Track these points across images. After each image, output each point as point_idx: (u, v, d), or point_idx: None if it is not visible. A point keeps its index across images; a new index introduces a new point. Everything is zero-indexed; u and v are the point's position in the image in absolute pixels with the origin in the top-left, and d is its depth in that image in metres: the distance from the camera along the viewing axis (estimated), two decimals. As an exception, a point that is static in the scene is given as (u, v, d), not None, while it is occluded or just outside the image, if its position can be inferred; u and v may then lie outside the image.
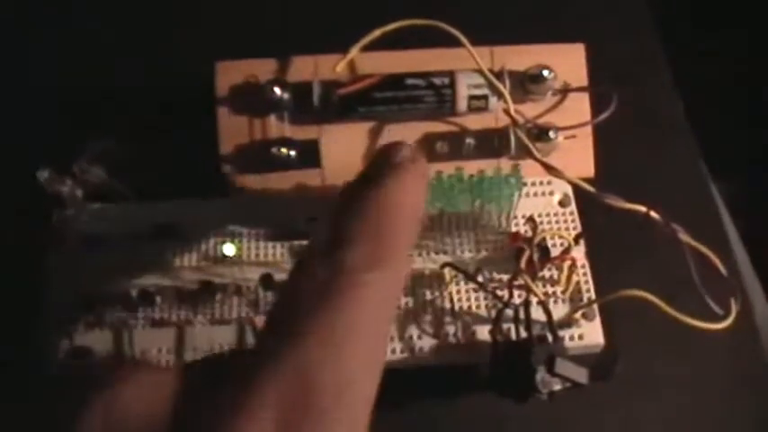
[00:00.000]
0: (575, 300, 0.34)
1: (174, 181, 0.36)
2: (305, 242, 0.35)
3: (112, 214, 0.36)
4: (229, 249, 0.35)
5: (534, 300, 0.32)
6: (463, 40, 0.34)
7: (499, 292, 0.33)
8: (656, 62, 0.43)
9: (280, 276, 0.34)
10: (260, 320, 0.33)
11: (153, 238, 0.35)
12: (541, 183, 0.36)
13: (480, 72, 0.35)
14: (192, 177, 0.36)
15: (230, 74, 0.37)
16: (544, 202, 0.36)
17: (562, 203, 0.36)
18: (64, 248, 0.35)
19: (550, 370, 0.30)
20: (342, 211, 0.24)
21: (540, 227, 0.35)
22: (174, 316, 0.34)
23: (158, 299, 0.34)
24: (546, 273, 0.34)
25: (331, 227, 0.23)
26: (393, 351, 0.33)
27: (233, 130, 0.37)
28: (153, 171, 0.36)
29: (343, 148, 0.36)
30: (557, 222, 0.35)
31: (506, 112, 0.34)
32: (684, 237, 0.32)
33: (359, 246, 0.22)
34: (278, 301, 0.24)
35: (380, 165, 0.25)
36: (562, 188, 0.36)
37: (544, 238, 0.34)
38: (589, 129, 0.37)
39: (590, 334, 0.33)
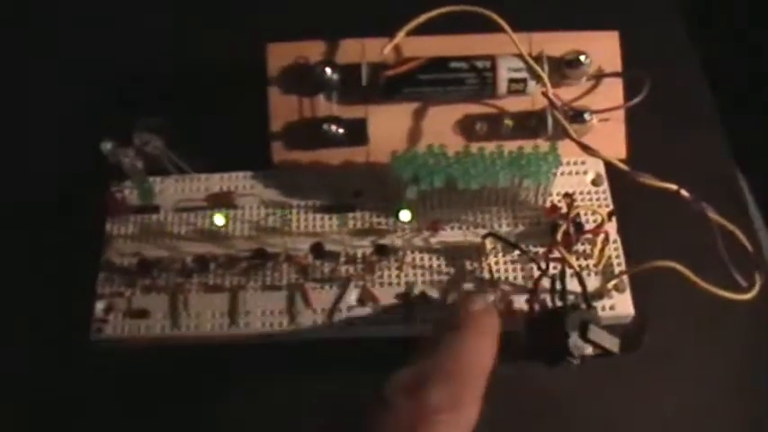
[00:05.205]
0: (606, 273, 0.36)
1: (227, 155, 0.38)
2: (352, 214, 0.37)
3: (170, 184, 0.38)
4: (278, 220, 0.37)
5: (569, 271, 0.34)
6: (504, 25, 0.36)
7: (535, 263, 0.35)
8: (685, 48, 0.45)
9: (329, 247, 0.36)
10: (309, 287, 0.35)
11: (207, 209, 0.37)
12: (575, 163, 0.38)
13: (521, 56, 0.37)
14: (245, 152, 0.39)
15: (281, 55, 0.39)
16: (578, 181, 0.38)
17: (595, 182, 0.38)
18: (123, 216, 0.37)
19: (584, 335, 0.32)
20: (425, 355, 0.29)
21: (575, 203, 0.36)
22: (227, 282, 0.36)
23: (212, 265, 0.36)
24: (579, 247, 0.36)
25: (416, 368, 0.28)
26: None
27: (283, 108, 0.39)
28: (207, 146, 0.38)
29: (389, 127, 0.38)
30: (589, 201, 0.37)
31: (545, 94, 0.36)
32: (713, 214, 0.34)
33: (439, 389, 0.27)
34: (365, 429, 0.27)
35: (459, 313, 0.30)
36: (595, 168, 0.38)
37: (578, 214, 0.36)
38: (622, 112, 0.39)
39: (621, 305, 0.35)
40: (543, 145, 0.37)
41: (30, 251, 0.40)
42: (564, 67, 0.38)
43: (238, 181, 0.38)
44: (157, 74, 0.44)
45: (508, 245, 0.35)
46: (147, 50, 0.45)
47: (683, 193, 0.34)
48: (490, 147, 0.35)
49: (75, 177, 0.41)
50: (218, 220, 0.36)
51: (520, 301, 0.35)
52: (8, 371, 0.37)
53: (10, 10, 0.48)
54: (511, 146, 0.35)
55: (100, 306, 0.35)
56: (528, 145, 0.36)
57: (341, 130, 0.38)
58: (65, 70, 0.46)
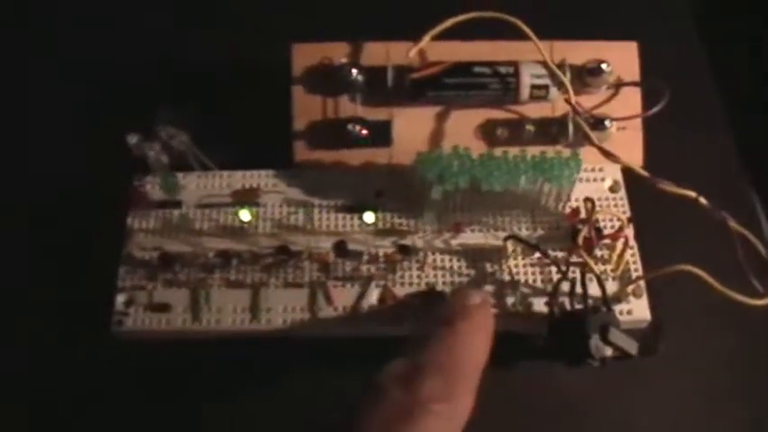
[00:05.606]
0: (624, 278, 0.36)
1: (250, 153, 0.39)
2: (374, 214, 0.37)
3: (192, 180, 0.38)
4: (301, 218, 0.37)
5: (588, 274, 0.34)
6: (529, 32, 0.37)
7: (556, 266, 0.35)
8: (697, 59, 0.46)
9: (351, 246, 0.36)
10: (331, 285, 0.36)
11: (230, 205, 0.37)
12: (593, 169, 0.39)
13: (544, 63, 0.37)
14: (268, 150, 0.39)
15: (306, 55, 0.39)
16: (595, 188, 0.38)
17: (612, 189, 0.38)
18: (145, 210, 0.37)
19: (604, 338, 0.33)
20: (418, 349, 0.29)
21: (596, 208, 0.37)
22: (249, 278, 0.36)
23: (234, 261, 0.36)
24: (597, 252, 0.36)
25: (410, 359, 0.28)
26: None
27: (306, 108, 0.39)
28: (231, 143, 0.39)
29: (412, 129, 0.39)
30: (607, 207, 0.38)
31: (567, 101, 0.37)
32: (731, 222, 0.35)
33: (433, 380, 0.27)
34: (358, 417, 0.27)
35: (453, 307, 0.31)
36: (612, 175, 0.39)
37: (597, 219, 0.37)
38: (639, 121, 0.39)
39: (638, 310, 0.36)
40: (564, 151, 0.38)
41: (30, 251, 0.40)
42: (585, 75, 0.38)
43: (260, 179, 0.38)
44: (157, 74, 0.45)
45: (530, 248, 0.36)
46: (147, 50, 0.45)
47: (702, 200, 0.35)
48: (514, 150, 0.36)
49: (76, 177, 0.41)
50: (244, 215, 0.36)
51: (539, 304, 0.35)
52: (12, 371, 0.37)
53: (10, 10, 0.48)
54: (532, 151, 0.36)
55: (120, 299, 0.36)
56: (549, 151, 0.36)
57: (364, 131, 0.38)
58: (65, 70, 0.46)
